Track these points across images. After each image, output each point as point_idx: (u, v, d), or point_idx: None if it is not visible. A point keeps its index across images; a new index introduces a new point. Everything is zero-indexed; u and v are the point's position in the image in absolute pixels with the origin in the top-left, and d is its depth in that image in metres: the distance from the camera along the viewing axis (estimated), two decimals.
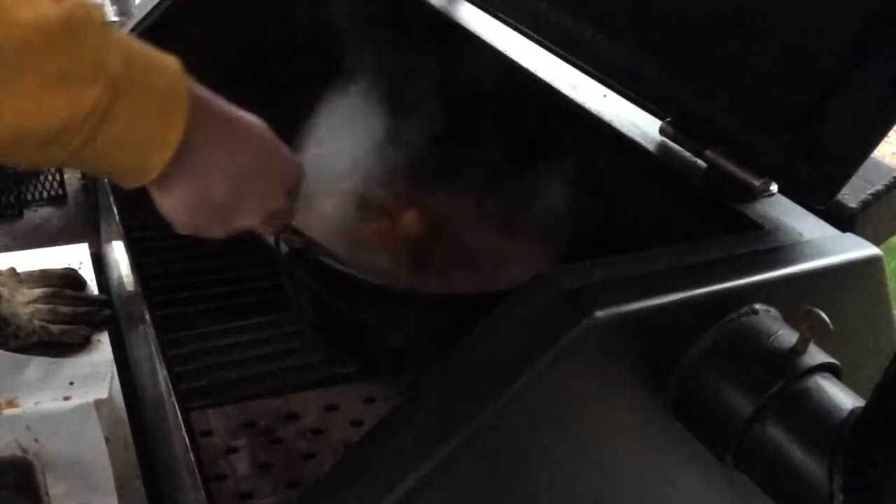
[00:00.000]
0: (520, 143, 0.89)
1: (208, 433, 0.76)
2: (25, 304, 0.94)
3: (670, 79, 0.75)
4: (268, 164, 0.61)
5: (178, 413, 0.73)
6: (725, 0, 0.70)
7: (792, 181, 0.67)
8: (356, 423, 0.79)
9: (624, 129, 0.79)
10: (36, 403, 0.84)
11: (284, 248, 0.76)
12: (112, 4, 1.77)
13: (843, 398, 0.49)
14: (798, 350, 0.50)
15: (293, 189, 0.65)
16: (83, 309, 0.97)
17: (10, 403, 0.84)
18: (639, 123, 0.80)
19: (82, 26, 0.46)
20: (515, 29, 0.96)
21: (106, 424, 0.82)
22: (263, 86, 0.90)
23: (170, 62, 0.53)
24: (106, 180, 1.01)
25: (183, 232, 0.61)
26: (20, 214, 1.17)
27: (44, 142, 0.47)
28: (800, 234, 0.64)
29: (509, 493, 0.53)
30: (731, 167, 0.69)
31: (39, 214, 1.18)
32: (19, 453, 0.77)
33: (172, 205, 0.58)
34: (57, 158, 0.49)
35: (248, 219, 0.62)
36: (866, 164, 0.62)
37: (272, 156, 0.62)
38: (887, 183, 0.69)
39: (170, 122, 0.52)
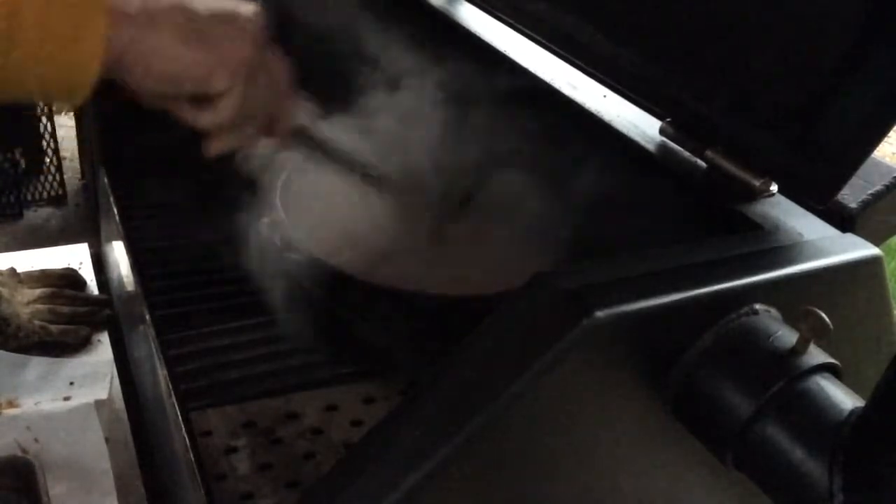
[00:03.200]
0: (519, 143, 0.89)
1: (208, 433, 0.76)
2: (25, 304, 0.94)
3: (670, 79, 0.75)
4: (228, 6, 0.58)
5: (178, 413, 0.73)
6: (725, 0, 0.70)
7: (792, 181, 0.67)
8: (356, 423, 0.79)
9: (624, 129, 0.79)
10: (36, 403, 0.84)
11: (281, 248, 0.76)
12: None
13: (843, 398, 0.49)
14: (798, 350, 0.50)
15: (256, 40, 0.60)
16: (83, 309, 0.97)
17: (10, 403, 0.84)
18: (639, 123, 0.80)
19: None
20: (515, 29, 0.96)
21: (106, 424, 0.82)
22: None
23: None
24: (105, 180, 1.01)
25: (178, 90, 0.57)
26: (20, 214, 1.17)
27: None
28: (800, 234, 0.64)
29: (509, 493, 0.53)
30: (731, 167, 0.69)
31: (39, 214, 1.19)
32: (19, 453, 0.78)
33: (139, 82, 0.55)
34: None
35: (220, 72, 0.57)
36: (866, 164, 0.62)
37: (213, 16, 0.57)
38: (887, 183, 0.69)
39: (88, 10, 0.50)
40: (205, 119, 0.59)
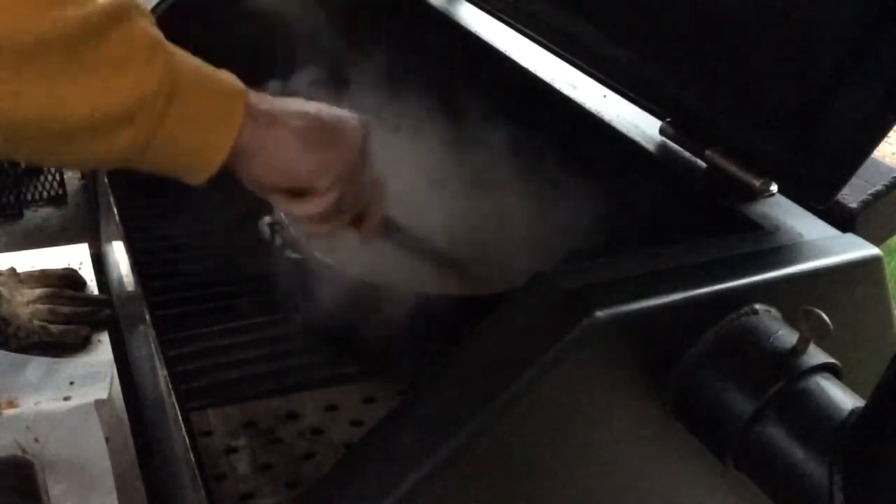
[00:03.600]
0: (519, 143, 0.89)
1: (208, 433, 0.76)
2: (25, 304, 0.94)
3: (670, 79, 0.75)
4: (335, 115, 0.63)
5: (178, 413, 0.73)
6: (725, 0, 0.70)
7: (792, 181, 0.67)
8: (356, 423, 0.79)
9: (624, 129, 0.79)
10: (36, 403, 0.84)
11: (281, 246, 0.76)
12: None
13: (843, 398, 0.49)
14: (798, 350, 0.50)
15: (360, 148, 0.65)
16: (83, 309, 0.97)
17: (10, 403, 0.84)
18: (639, 123, 0.80)
19: (126, 13, 0.50)
20: (515, 29, 0.96)
21: (106, 424, 0.82)
22: (265, 85, 0.90)
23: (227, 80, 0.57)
24: (105, 180, 1.01)
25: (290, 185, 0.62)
26: (20, 214, 1.17)
27: (120, 120, 0.49)
28: (800, 234, 0.64)
29: (509, 492, 0.53)
30: (731, 167, 0.69)
31: (39, 214, 1.18)
32: (19, 453, 0.78)
33: (256, 173, 0.59)
34: (130, 145, 0.51)
35: (326, 173, 0.62)
36: (866, 164, 0.62)
37: (327, 123, 0.62)
38: (887, 183, 0.69)
39: (230, 100, 0.55)
40: (301, 209, 0.63)
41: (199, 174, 0.56)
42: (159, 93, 0.50)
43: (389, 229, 0.72)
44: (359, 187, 0.65)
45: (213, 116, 0.54)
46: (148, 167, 0.54)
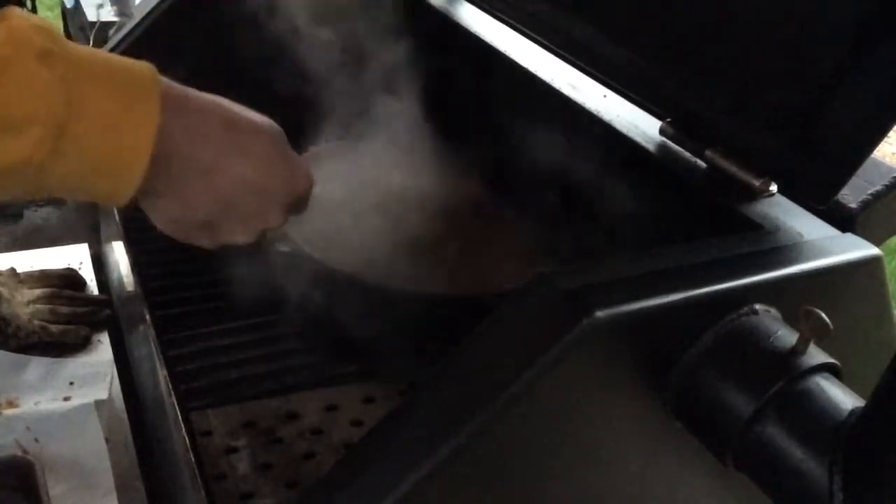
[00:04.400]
0: (519, 143, 0.89)
1: (208, 433, 0.76)
2: (25, 305, 0.94)
3: (670, 79, 0.75)
4: (266, 178, 0.57)
5: (178, 413, 0.73)
6: (725, 1, 0.70)
7: (792, 181, 0.67)
8: (356, 423, 0.79)
9: (624, 129, 0.79)
10: (36, 403, 0.84)
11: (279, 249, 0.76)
12: (112, 4, 1.77)
13: (843, 398, 0.49)
14: (798, 350, 0.50)
15: (297, 203, 0.61)
16: (83, 309, 0.97)
17: (10, 403, 0.84)
18: (639, 123, 0.79)
19: (5, 66, 0.44)
20: (515, 29, 0.96)
21: (106, 424, 0.82)
22: (266, 85, 0.90)
23: (138, 70, 0.50)
24: None
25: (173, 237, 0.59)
26: (20, 214, 1.17)
27: (3, 176, 0.46)
28: (800, 234, 0.64)
29: (509, 492, 0.53)
30: (731, 167, 0.69)
31: (39, 214, 1.18)
32: (19, 453, 0.77)
33: (157, 217, 0.56)
34: (25, 190, 0.48)
35: (239, 236, 0.59)
36: (866, 164, 0.62)
37: (271, 170, 0.57)
38: (887, 183, 0.69)
39: (134, 146, 0.49)
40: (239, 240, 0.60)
41: (113, 197, 0.51)
42: (34, 156, 0.45)
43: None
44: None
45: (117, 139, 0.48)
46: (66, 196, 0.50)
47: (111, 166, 0.49)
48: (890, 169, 0.70)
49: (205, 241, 0.59)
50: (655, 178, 0.77)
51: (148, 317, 0.83)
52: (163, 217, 0.56)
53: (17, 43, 0.45)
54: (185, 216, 0.56)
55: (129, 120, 0.48)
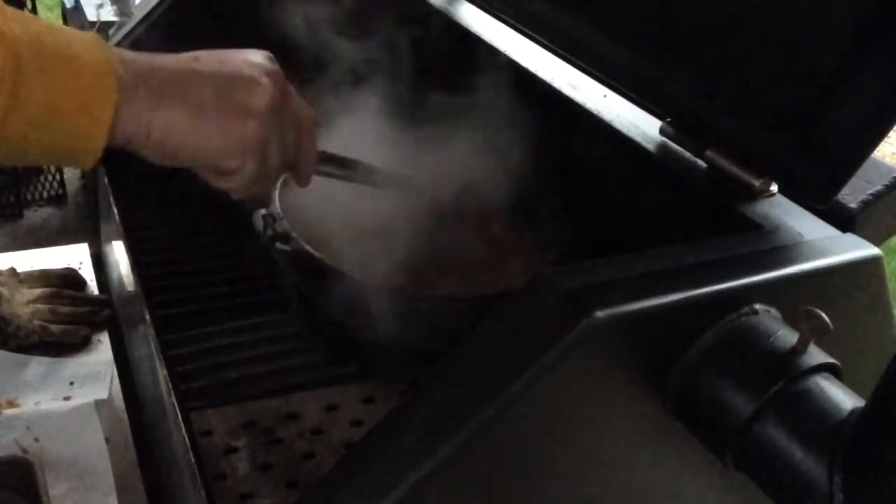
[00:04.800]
0: (519, 143, 0.89)
1: (208, 433, 0.76)
2: (25, 304, 0.94)
3: (670, 79, 0.75)
4: (223, 95, 0.54)
5: (178, 413, 0.73)
6: (725, 1, 0.70)
7: (792, 181, 0.67)
8: (356, 423, 0.79)
9: (624, 129, 0.79)
10: (36, 403, 0.84)
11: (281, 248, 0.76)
12: (112, 4, 1.77)
13: (843, 398, 0.49)
14: (798, 350, 0.50)
15: (303, 131, 0.60)
16: (83, 309, 0.97)
17: (10, 403, 0.84)
18: (639, 123, 0.80)
19: None
20: (515, 29, 0.96)
21: (106, 424, 0.82)
22: None
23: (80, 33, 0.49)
24: (105, 180, 1.01)
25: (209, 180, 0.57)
26: (20, 214, 1.17)
27: None
28: (800, 234, 0.64)
29: (509, 493, 0.53)
30: (731, 167, 0.69)
31: (39, 214, 1.18)
32: (19, 453, 0.78)
33: (171, 141, 0.53)
34: None
35: (233, 158, 0.56)
36: (866, 164, 0.62)
37: (223, 87, 0.54)
38: (887, 183, 0.69)
39: (100, 78, 0.48)
40: (225, 185, 0.58)
41: (78, 164, 0.51)
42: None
43: (324, 161, 0.68)
44: (281, 145, 0.58)
45: (74, 107, 0.48)
46: (16, 160, 0.49)
47: (80, 98, 0.48)
48: (890, 169, 0.70)
49: (202, 163, 0.56)
50: (655, 178, 0.77)
51: (148, 317, 0.83)
52: (174, 137, 0.53)
53: None
54: (195, 125, 0.53)
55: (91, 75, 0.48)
